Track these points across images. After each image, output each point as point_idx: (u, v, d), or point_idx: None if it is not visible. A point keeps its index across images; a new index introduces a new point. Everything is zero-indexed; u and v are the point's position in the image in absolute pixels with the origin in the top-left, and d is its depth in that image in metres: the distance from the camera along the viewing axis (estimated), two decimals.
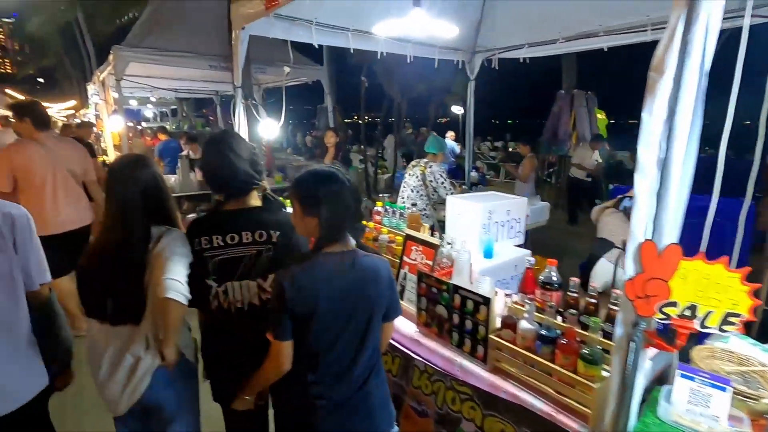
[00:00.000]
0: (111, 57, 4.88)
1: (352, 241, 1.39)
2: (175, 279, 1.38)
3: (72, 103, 32.37)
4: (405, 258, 2.06)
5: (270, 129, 3.55)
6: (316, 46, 3.69)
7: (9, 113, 5.96)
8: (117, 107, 5.85)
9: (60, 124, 11.93)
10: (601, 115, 8.39)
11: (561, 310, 1.55)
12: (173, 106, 18.39)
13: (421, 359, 1.85)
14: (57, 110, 31.24)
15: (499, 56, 4.85)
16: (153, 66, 5.32)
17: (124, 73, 4.87)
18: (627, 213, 2.92)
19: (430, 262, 1.94)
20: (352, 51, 3.81)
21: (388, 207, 2.75)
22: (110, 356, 1.51)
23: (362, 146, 15.06)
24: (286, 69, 4.06)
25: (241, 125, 3.40)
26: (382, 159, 9.91)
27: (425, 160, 3.96)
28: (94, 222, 3.72)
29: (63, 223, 3.34)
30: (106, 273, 1.49)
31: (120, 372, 1.50)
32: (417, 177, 3.87)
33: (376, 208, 2.77)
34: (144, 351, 1.50)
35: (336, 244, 1.34)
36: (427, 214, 3.91)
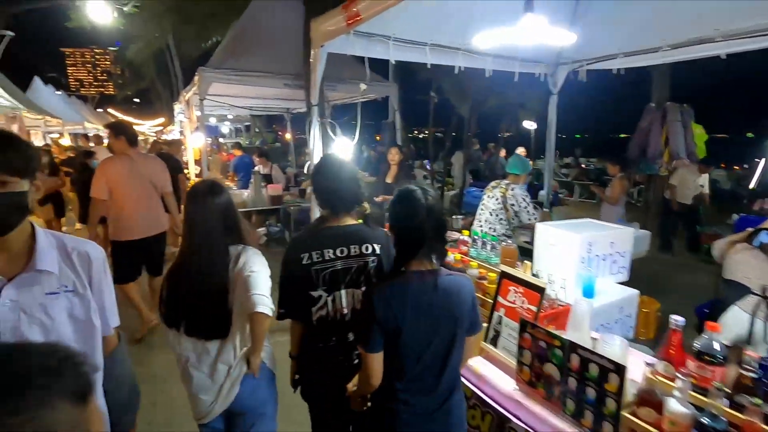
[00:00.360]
0: (196, 78, 5.15)
1: (436, 260, 1.42)
2: (261, 294, 1.53)
3: (161, 120, 35.70)
4: (500, 299, 1.79)
5: (344, 148, 3.45)
6: (392, 62, 3.57)
7: (106, 131, 6.62)
8: (199, 124, 6.19)
9: (151, 140, 13.09)
10: (699, 130, 7.47)
11: (729, 391, 1.19)
12: (247, 123, 19.50)
13: (520, 423, 1.56)
14: (148, 127, 34.69)
15: (588, 68, 4.44)
16: (232, 85, 5.55)
17: (206, 93, 5.10)
18: (766, 250, 2.40)
19: (534, 308, 1.64)
20: (429, 66, 3.64)
21: (476, 237, 2.47)
22: (205, 368, 1.63)
23: (425, 161, 14.98)
24: (363, 86, 3.98)
25: (316, 144, 3.33)
26: (448, 176, 9.62)
27: (506, 181, 3.65)
28: (168, 231, 4.05)
29: (142, 230, 3.63)
30: (194, 293, 1.59)
31: (215, 382, 1.63)
32: (497, 199, 3.57)
33: (461, 237, 2.51)
34: (233, 360, 1.64)
35: (417, 263, 1.39)
36: (507, 241, 3.58)
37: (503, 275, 1.81)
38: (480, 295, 1.90)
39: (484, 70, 4.15)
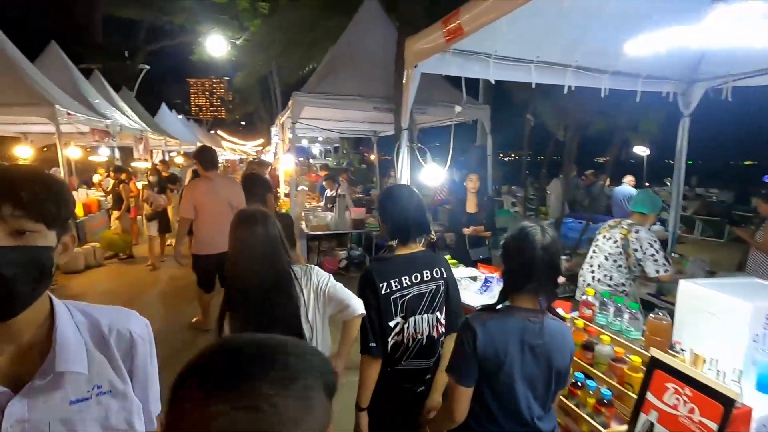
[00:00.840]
0: (291, 102, 5.28)
1: (543, 301, 1.37)
2: (356, 299, 1.67)
3: (261, 141, 39.03)
4: (651, 397, 1.29)
5: (435, 175, 3.14)
6: (492, 82, 3.22)
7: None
8: (290, 146, 6.37)
9: (248, 159, 14.12)
10: None
11: None
12: (336, 144, 20.28)
13: None
14: (250, 146, 38.03)
15: (736, 84, 3.64)
16: (323, 109, 5.61)
17: (299, 117, 5.20)
18: None
19: (713, 424, 1.13)
20: (534, 86, 3.22)
21: (606, 299, 1.95)
22: None
23: (512, 187, 14.04)
24: (458, 108, 3.67)
25: (404, 169, 3.07)
26: (542, 204, 8.82)
27: (629, 221, 3.02)
28: None
29: (219, 246, 3.79)
30: (269, 309, 1.61)
31: None
32: (616, 242, 2.96)
33: (585, 297, 2.01)
34: None
35: (524, 299, 1.36)
36: (626, 292, 2.94)
37: (656, 363, 1.32)
38: (615, 384, 1.42)
39: (595, 89, 3.63)
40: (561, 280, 2.69)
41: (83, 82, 9.44)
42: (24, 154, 7.26)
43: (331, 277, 1.78)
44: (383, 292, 1.64)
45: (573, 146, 6.86)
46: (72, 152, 8.29)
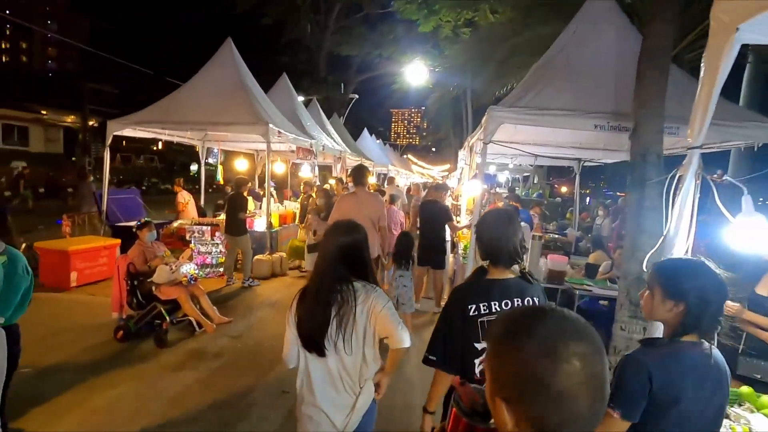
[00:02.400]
0: (484, 119, 4.37)
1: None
2: (406, 332, 1.76)
3: (447, 166, 39.66)
4: None
5: (757, 228, 1.66)
6: None
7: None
8: (478, 172, 5.44)
9: (432, 182, 13.87)
10: None
11: None
12: (526, 174, 18.50)
13: None
14: (437, 171, 39.05)
15: None
16: (525, 128, 4.50)
17: (492, 136, 4.23)
18: None
19: None
20: None
21: None
22: (333, 390, 1.78)
23: None
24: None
25: (684, 212, 1.72)
26: None
27: None
28: (380, 256, 4.74)
29: None
30: (309, 314, 1.76)
31: (345, 405, 1.78)
32: None
33: None
34: (359, 386, 1.79)
35: (693, 336, 1.33)
36: None
37: None
38: None
39: None
40: None
41: (301, 108, 10.76)
42: (241, 166, 8.38)
43: (389, 304, 1.79)
44: (471, 313, 1.67)
45: None
46: (277, 168, 9.24)
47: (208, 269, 4.97)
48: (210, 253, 5.06)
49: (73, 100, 23.02)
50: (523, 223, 5.96)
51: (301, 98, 11.66)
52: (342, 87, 20.33)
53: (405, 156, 41.12)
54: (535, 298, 1.72)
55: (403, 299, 4.43)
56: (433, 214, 5.46)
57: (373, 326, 1.75)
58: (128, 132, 7.19)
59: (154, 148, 33.55)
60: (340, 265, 1.75)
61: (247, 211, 6.37)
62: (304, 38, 19.04)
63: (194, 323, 4.17)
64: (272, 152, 9.50)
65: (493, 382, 0.67)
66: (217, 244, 5.08)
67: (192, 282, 4.05)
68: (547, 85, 4.39)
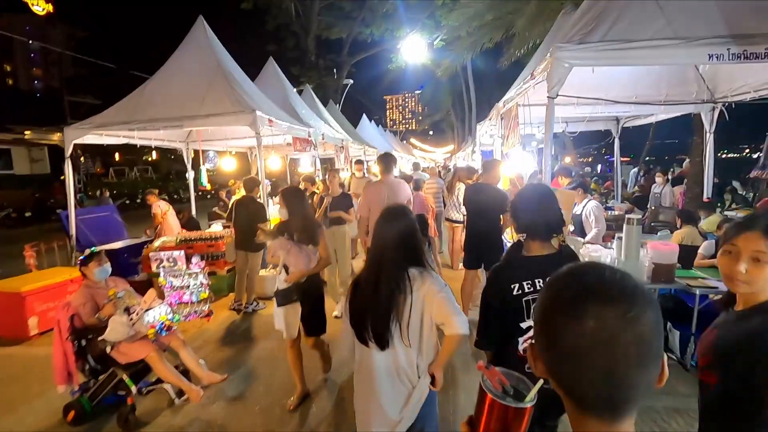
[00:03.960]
0: (545, 65, 3.16)
1: None
2: (462, 316, 1.68)
3: (450, 147, 38.32)
4: None
5: None
6: None
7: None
8: (545, 137, 4.22)
9: (440, 164, 12.66)
10: None
11: None
12: (540, 146, 17.19)
13: None
14: (440, 153, 37.73)
15: None
16: (599, 72, 3.30)
17: (561, 86, 3.03)
18: None
19: None
20: None
21: None
22: (388, 382, 1.72)
23: None
24: None
25: None
26: None
27: None
28: None
29: None
30: (365, 304, 1.73)
31: (400, 397, 1.72)
32: None
33: None
34: (416, 378, 1.72)
35: None
36: None
37: None
38: None
39: None
40: None
41: (294, 95, 9.52)
42: (228, 166, 7.24)
43: (446, 288, 1.72)
44: (515, 293, 1.64)
45: None
46: (272, 163, 8.05)
47: (188, 309, 3.75)
48: (187, 287, 3.83)
49: (56, 117, 21.91)
50: (593, 203, 4.84)
51: (295, 90, 10.46)
52: (335, 72, 18.96)
53: (404, 141, 39.69)
54: None
55: None
56: (482, 202, 4.26)
57: (430, 313, 1.70)
58: (91, 139, 6.03)
59: (149, 159, 32.48)
60: (396, 252, 1.71)
61: (268, 221, 5.19)
62: (290, 23, 17.62)
63: (171, 390, 3.00)
64: (265, 146, 8.39)
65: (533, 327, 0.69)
66: (195, 273, 3.84)
67: (163, 333, 2.89)
68: (624, 11, 3.17)
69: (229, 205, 6.32)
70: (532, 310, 1.62)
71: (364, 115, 18.47)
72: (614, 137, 8.05)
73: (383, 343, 1.66)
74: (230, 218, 5.24)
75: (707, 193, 5.57)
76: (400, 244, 1.71)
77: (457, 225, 6.43)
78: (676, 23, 2.95)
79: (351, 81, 19.06)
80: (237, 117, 5.50)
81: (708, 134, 5.49)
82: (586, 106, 5.40)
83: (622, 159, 8.50)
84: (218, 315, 4.92)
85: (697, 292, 3.05)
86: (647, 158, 15.21)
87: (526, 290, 1.63)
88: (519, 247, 1.76)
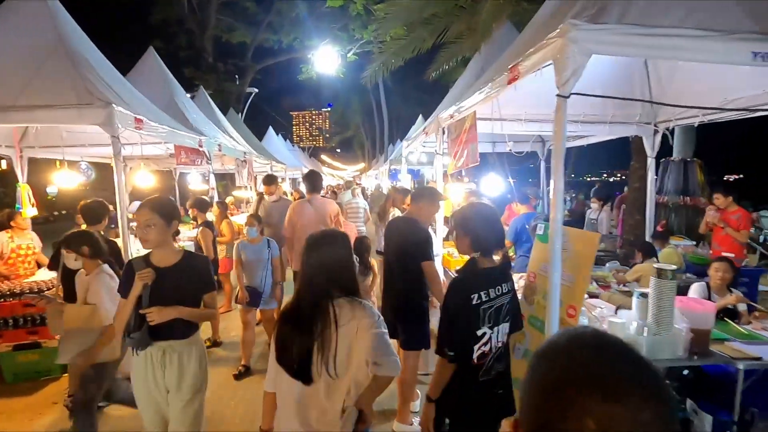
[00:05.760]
0: (557, 47, 2.19)
1: None
2: (396, 358, 1.62)
3: (361, 165, 37.91)
4: None
5: None
6: None
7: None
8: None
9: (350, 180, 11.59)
10: None
11: None
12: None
13: None
14: (351, 171, 37.01)
15: None
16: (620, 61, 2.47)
17: (577, 81, 2.09)
18: None
19: None
20: None
21: None
22: (312, 417, 1.60)
23: None
24: None
25: None
26: None
27: None
28: None
29: None
30: (296, 337, 1.61)
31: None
32: None
33: None
34: (339, 416, 1.60)
35: None
36: None
37: None
38: None
39: None
40: None
41: (183, 96, 7.67)
42: (58, 180, 5.30)
43: (380, 322, 1.63)
44: (474, 302, 1.77)
45: None
46: (142, 179, 6.18)
47: None
48: None
49: None
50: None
51: (188, 95, 8.54)
52: (237, 78, 16.94)
53: (312, 158, 38.33)
54: (510, 282, 1.98)
55: None
56: (399, 246, 3.12)
57: (358, 349, 1.59)
58: None
59: None
60: (322, 280, 1.62)
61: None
62: (182, 19, 15.27)
63: None
64: (139, 157, 6.44)
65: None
66: None
67: None
68: None
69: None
70: (486, 318, 1.82)
71: (271, 128, 16.75)
72: (541, 159, 7.75)
73: (305, 377, 1.58)
74: (54, 265, 3.34)
75: (650, 220, 5.26)
76: (329, 272, 1.63)
77: None
78: (711, 11, 2.23)
79: (256, 90, 17.20)
80: (82, 112, 3.73)
81: (650, 159, 5.22)
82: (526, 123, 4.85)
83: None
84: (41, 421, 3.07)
85: (742, 366, 2.29)
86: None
87: (483, 300, 1.81)
88: (474, 262, 1.93)
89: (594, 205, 7.38)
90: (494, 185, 4.94)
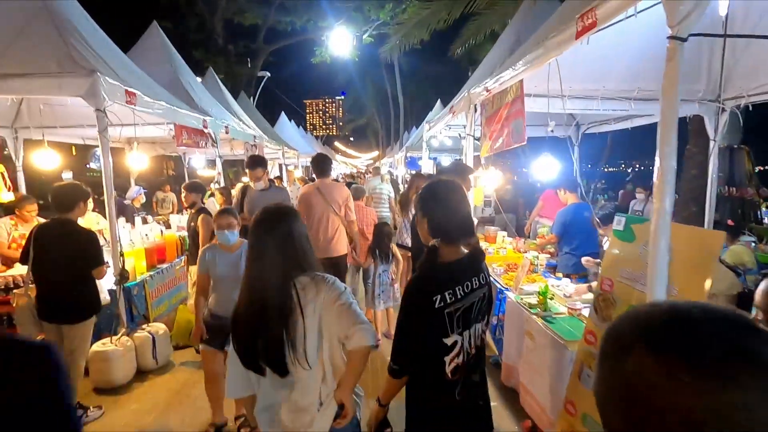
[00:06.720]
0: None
1: None
2: (367, 326, 1.44)
3: (375, 153, 37.28)
4: None
5: None
6: None
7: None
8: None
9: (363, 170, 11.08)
10: None
11: None
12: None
13: None
14: (365, 159, 36.44)
15: None
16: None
17: (702, 12, 1.48)
18: None
19: None
20: None
21: None
22: (285, 414, 1.50)
23: None
24: None
25: None
26: None
27: None
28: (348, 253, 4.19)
29: (326, 250, 3.87)
30: (252, 324, 1.47)
31: (301, 423, 1.49)
32: None
33: None
34: (318, 401, 1.49)
35: None
36: None
37: None
38: None
39: None
40: None
41: (188, 73, 7.16)
42: (46, 163, 4.80)
43: (346, 293, 1.49)
44: (437, 305, 1.46)
45: None
46: (137, 161, 5.70)
47: None
48: None
49: None
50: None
51: (198, 79, 8.03)
52: (249, 61, 16.39)
53: (326, 146, 37.87)
54: (486, 272, 1.65)
55: (388, 296, 4.14)
56: None
57: (328, 325, 1.48)
58: None
59: None
60: (278, 262, 1.46)
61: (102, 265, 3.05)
62: (192, 1, 14.74)
63: None
64: (137, 139, 5.97)
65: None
66: None
67: None
68: None
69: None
70: (455, 323, 1.51)
71: (283, 113, 16.23)
72: (575, 144, 7.04)
73: (282, 370, 1.45)
74: (24, 258, 2.82)
75: (710, 213, 4.59)
76: (281, 250, 1.47)
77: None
78: None
79: (268, 73, 16.65)
80: (62, 82, 3.24)
81: (712, 142, 4.52)
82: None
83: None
84: None
85: None
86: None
87: (449, 301, 1.48)
88: (434, 252, 1.54)
89: (640, 195, 6.68)
90: (549, 168, 4.32)
